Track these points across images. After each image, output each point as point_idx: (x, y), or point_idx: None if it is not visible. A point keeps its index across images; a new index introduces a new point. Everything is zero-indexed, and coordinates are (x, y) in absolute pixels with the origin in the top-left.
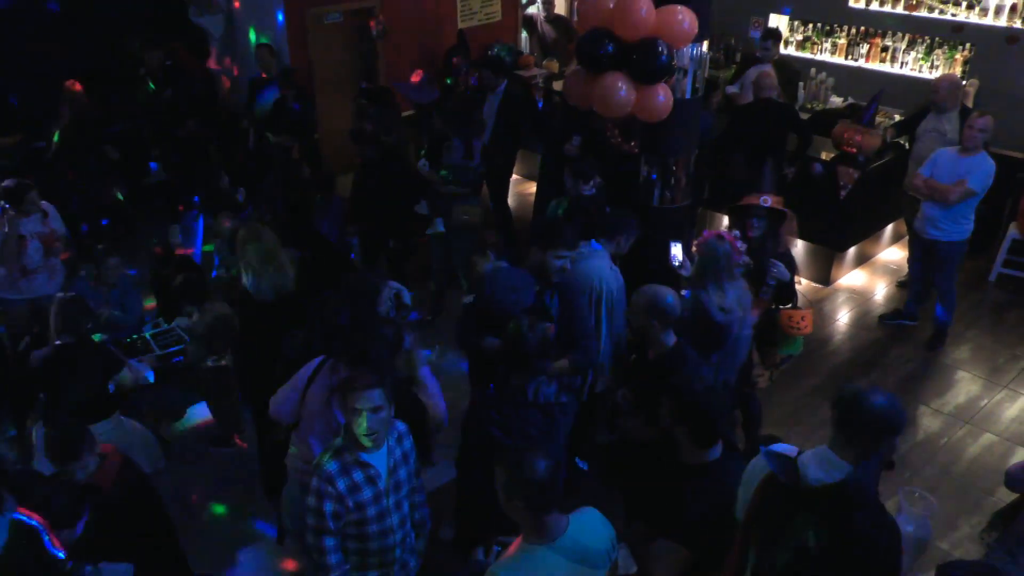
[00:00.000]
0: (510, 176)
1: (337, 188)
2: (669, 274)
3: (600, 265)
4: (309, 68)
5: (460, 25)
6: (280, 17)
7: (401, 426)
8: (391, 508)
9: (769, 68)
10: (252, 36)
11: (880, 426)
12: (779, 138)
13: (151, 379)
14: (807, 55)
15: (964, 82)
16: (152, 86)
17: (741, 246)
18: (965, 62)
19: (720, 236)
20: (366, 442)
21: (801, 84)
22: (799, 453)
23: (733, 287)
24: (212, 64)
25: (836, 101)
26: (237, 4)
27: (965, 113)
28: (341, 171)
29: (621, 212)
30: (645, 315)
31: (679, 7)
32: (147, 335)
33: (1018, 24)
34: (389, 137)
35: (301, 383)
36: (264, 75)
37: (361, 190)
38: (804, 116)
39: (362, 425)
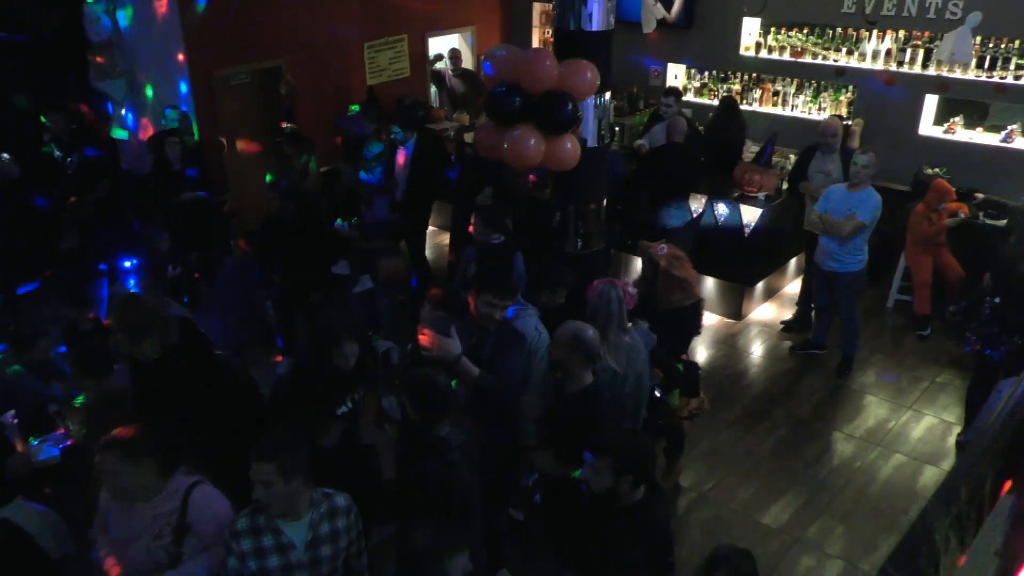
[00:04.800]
0: (426, 228)
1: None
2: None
3: (526, 324)
4: (217, 129)
5: (369, 81)
6: (185, 80)
7: (341, 502)
8: None
9: (677, 116)
10: (155, 100)
11: None
12: (682, 179)
13: (56, 456)
14: (705, 101)
15: (850, 122)
16: (57, 151)
17: (632, 291)
18: (849, 103)
19: (611, 283)
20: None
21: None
22: None
23: (622, 338)
24: (113, 129)
25: None
26: (137, 68)
27: (848, 152)
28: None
29: (557, 266)
30: (567, 348)
31: (582, 60)
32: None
33: (894, 67)
34: (304, 183)
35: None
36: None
37: (273, 245)
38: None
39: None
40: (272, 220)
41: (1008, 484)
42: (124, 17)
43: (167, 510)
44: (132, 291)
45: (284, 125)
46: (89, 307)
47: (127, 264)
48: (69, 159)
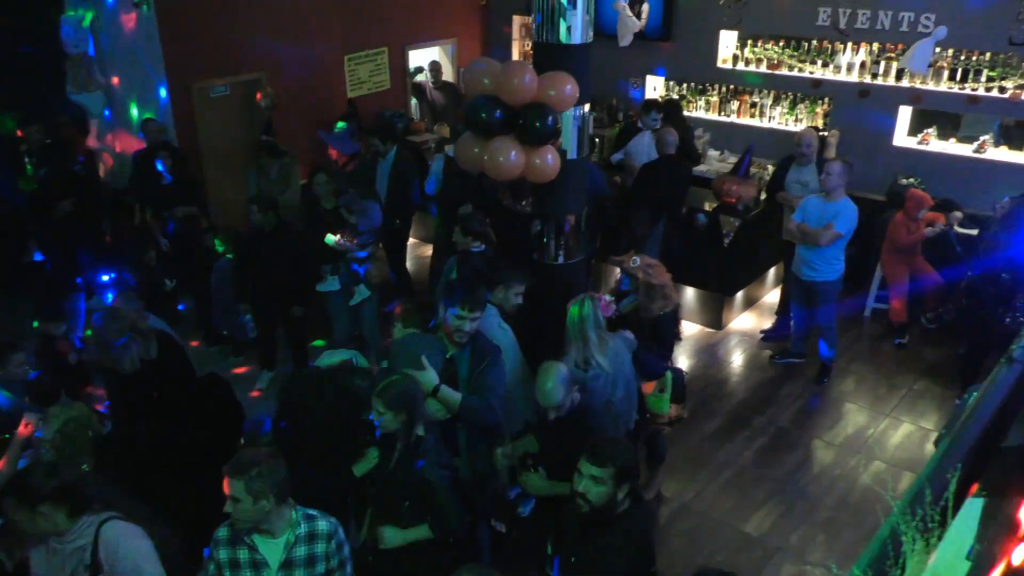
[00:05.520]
0: (407, 240)
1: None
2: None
3: (489, 324)
4: (197, 142)
5: (350, 94)
6: (164, 92)
7: (323, 526)
8: None
9: (666, 128)
10: (134, 113)
11: None
12: (679, 193)
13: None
14: (684, 112)
15: (826, 133)
16: (29, 165)
17: (608, 300)
18: (825, 115)
19: (589, 297)
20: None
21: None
22: None
23: (603, 346)
24: (92, 142)
25: (714, 154)
26: (116, 81)
27: (823, 163)
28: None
29: (501, 264)
30: (565, 391)
31: (560, 73)
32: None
33: (868, 79)
34: (284, 196)
35: None
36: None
37: (252, 260)
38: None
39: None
40: (253, 233)
41: (975, 487)
42: (102, 30)
43: (78, 547)
44: (109, 305)
45: (264, 138)
46: (63, 320)
47: (104, 278)
48: (39, 172)
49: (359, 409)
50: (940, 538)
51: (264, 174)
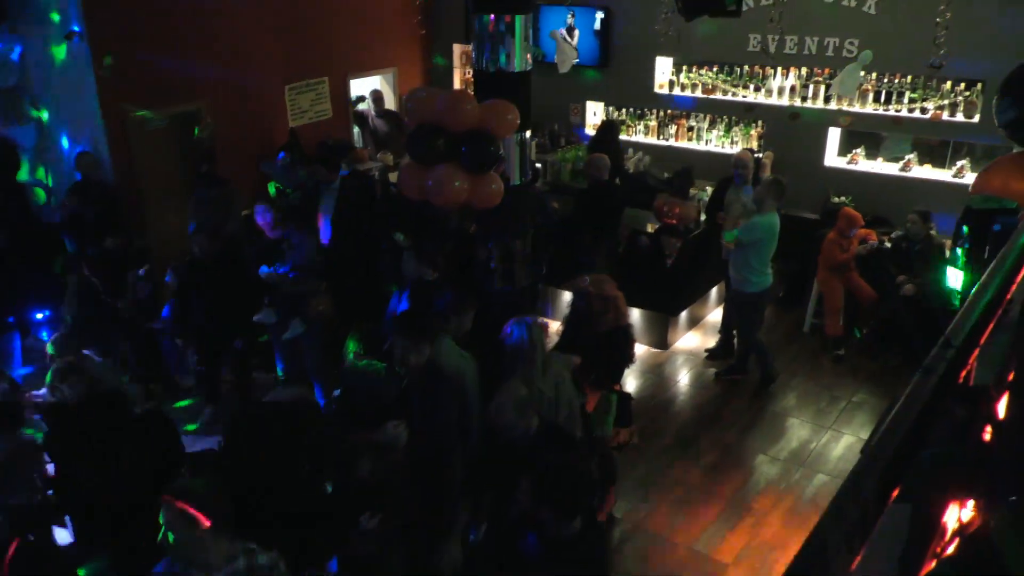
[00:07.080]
0: (354, 269)
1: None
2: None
3: (449, 352)
4: (133, 174)
5: (291, 124)
6: (98, 124)
7: (262, 561)
8: None
9: (597, 155)
10: (66, 146)
11: None
12: (612, 217)
13: None
14: (624, 137)
15: (760, 155)
16: None
17: (545, 323)
18: (759, 137)
19: (521, 321)
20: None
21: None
22: None
23: (546, 371)
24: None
25: None
26: (48, 114)
27: (757, 182)
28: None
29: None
30: (521, 415)
31: (501, 101)
32: None
33: (798, 103)
34: (226, 226)
35: None
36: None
37: (192, 290)
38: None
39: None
40: (196, 263)
41: (896, 491)
42: (33, 62)
43: None
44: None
45: (203, 168)
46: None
47: (39, 316)
48: None
49: (312, 461)
50: (864, 543)
51: (203, 205)
